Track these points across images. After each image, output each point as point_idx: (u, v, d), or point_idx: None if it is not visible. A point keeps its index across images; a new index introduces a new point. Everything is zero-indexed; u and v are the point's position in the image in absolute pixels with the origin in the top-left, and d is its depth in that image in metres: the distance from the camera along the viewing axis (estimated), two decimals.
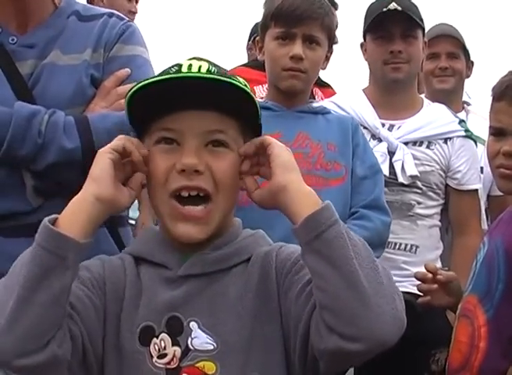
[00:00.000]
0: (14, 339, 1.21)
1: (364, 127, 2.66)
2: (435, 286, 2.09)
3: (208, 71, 1.32)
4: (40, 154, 1.70)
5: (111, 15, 1.93)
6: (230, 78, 1.32)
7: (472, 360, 1.74)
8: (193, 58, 1.37)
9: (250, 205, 1.44)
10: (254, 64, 3.17)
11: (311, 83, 2.40)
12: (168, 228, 1.36)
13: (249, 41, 3.87)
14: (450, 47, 3.28)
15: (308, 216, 1.23)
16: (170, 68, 1.35)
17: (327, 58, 2.36)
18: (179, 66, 1.35)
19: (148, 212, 4.17)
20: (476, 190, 2.76)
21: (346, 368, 1.33)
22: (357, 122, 2.47)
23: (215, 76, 1.30)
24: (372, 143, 2.64)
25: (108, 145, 1.35)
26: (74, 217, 1.27)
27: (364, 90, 2.82)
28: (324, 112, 2.40)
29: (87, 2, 3.86)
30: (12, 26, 1.83)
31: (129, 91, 1.33)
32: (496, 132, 1.91)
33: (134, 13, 3.98)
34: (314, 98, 2.87)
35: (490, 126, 1.95)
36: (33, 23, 1.84)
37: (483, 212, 2.86)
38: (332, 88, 3.65)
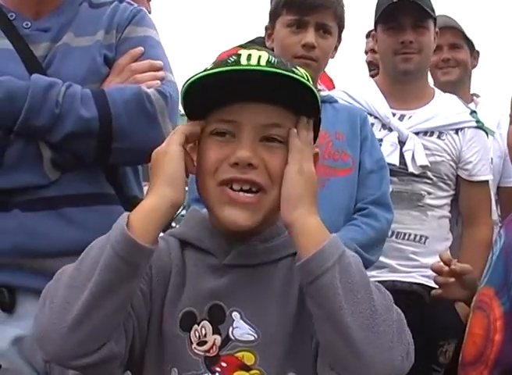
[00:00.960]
0: (75, 342, 1.20)
1: (375, 117, 2.66)
2: (452, 279, 2.05)
3: (268, 62, 1.27)
4: (57, 124, 1.71)
5: (121, 0, 1.95)
6: (290, 71, 1.27)
7: (487, 353, 1.72)
8: (253, 47, 1.32)
9: None
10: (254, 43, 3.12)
11: (320, 72, 2.39)
12: (216, 214, 1.32)
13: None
14: (451, 38, 3.26)
15: (304, 261, 1.20)
16: (228, 58, 1.30)
17: (335, 48, 2.35)
18: (238, 55, 1.29)
19: None
20: (487, 181, 2.76)
21: None
22: (365, 114, 2.45)
23: (275, 70, 1.25)
24: (383, 132, 2.64)
25: (175, 140, 1.30)
26: (149, 223, 1.23)
27: (375, 79, 2.83)
28: (332, 101, 2.38)
29: None
30: (26, 12, 1.86)
31: (186, 82, 1.28)
32: None
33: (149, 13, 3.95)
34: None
35: (510, 115, 1.89)
36: (47, 10, 1.88)
37: (493, 203, 2.86)
38: (325, 73, 3.64)
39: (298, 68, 1.33)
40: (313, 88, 1.27)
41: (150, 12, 3.97)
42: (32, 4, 1.87)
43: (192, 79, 1.27)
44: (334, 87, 3.50)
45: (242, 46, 1.37)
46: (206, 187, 1.32)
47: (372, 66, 4.28)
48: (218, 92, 1.27)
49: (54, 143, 1.73)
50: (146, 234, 1.21)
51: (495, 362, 1.71)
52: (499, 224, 2.78)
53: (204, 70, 1.29)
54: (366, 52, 4.38)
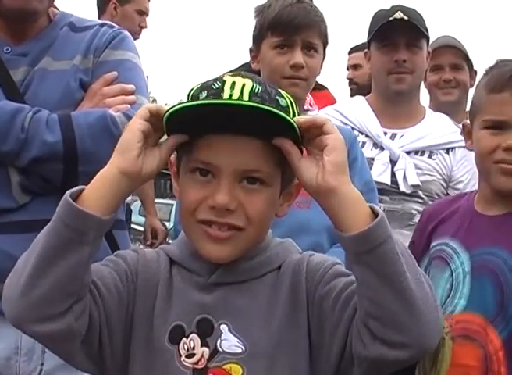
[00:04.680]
0: (28, 304, 1.24)
1: (367, 136, 2.67)
2: None
3: (252, 90, 1.28)
4: (23, 149, 1.74)
5: (103, 25, 1.99)
6: (273, 101, 1.29)
7: None
8: (239, 74, 1.32)
9: None
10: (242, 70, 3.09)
11: (309, 91, 2.39)
12: (197, 248, 1.37)
13: None
14: (453, 58, 3.25)
15: (360, 233, 1.21)
16: (213, 83, 1.31)
17: (320, 64, 2.35)
18: (223, 82, 1.29)
19: (154, 213, 4.15)
20: None
21: None
22: (354, 135, 2.45)
23: (254, 104, 1.24)
24: (374, 151, 2.65)
25: (136, 115, 1.30)
26: (99, 192, 1.25)
27: (367, 98, 2.83)
28: None
29: (99, 13, 3.88)
30: (8, 38, 1.90)
31: (166, 112, 1.27)
32: (496, 125, 1.77)
33: (143, 27, 3.95)
34: None
35: (486, 120, 1.79)
36: (29, 35, 1.91)
37: None
38: (327, 90, 3.64)
39: (283, 94, 1.34)
40: (291, 121, 1.25)
41: (145, 27, 3.98)
42: (14, 30, 1.90)
43: (170, 110, 1.26)
44: None
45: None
46: (186, 223, 1.36)
47: (352, 84, 4.32)
48: (198, 123, 1.28)
49: (21, 167, 1.76)
50: (95, 201, 1.24)
51: None
52: None
53: (187, 101, 1.30)
54: (348, 69, 4.41)
